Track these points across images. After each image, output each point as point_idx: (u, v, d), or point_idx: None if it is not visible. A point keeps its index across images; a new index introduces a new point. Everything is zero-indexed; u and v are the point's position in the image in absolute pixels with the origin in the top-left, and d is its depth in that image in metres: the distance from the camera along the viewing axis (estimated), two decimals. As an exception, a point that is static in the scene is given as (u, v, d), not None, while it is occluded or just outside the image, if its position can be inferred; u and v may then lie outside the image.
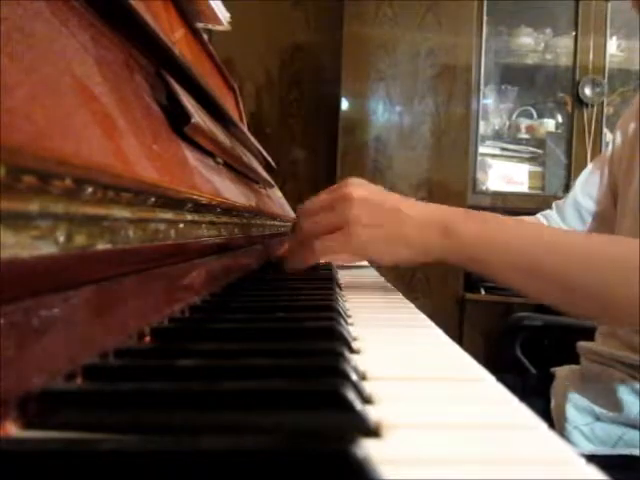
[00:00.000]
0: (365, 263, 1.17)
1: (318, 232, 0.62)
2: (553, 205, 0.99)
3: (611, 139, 0.95)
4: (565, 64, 2.69)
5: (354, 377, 0.27)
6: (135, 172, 0.32)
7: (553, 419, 0.84)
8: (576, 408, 0.81)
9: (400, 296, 0.69)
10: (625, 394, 0.78)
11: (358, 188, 0.62)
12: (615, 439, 0.77)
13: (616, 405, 0.78)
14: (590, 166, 0.97)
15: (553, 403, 0.86)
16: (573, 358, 0.91)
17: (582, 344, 0.89)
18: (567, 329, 1.38)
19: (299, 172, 2.70)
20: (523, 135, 2.75)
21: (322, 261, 0.63)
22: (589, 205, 0.94)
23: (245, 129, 0.99)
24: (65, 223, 0.24)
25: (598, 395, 0.81)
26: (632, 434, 0.76)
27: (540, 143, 2.72)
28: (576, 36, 2.64)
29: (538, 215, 0.99)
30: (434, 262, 0.60)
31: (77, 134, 0.27)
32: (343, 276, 0.84)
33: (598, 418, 0.79)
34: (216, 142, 0.59)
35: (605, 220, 0.91)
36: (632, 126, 0.86)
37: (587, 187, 0.95)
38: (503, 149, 2.74)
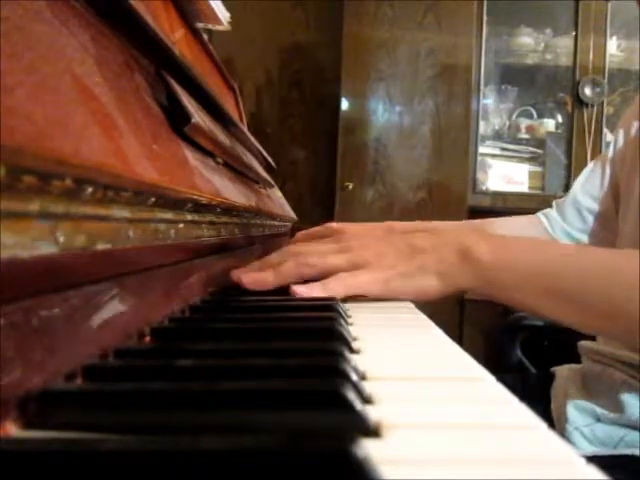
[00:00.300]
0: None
1: (323, 268, 0.57)
2: (553, 204, 0.98)
3: (613, 139, 0.95)
4: (565, 64, 2.69)
5: (354, 377, 0.27)
6: (135, 172, 0.32)
7: (553, 419, 0.84)
8: (577, 409, 0.81)
9: (400, 296, 0.68)
10: (626, 395, 0.77)
11: (350, 227, 0.61)
12: (616, 440, 0.77)
13: (617, 406, 0.78)
14: (591, 165, 0.96)
15: (553, 404, 0.85)
16: (573, 358, 0.90)
17: (583, 344, 0.89)
18: (567, 329, 1.37)
19: (299, 172, 2.70)
20: (523, 135, 2.75)
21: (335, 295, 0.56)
22: (589, 204, 0.93)
23: (245, 129, 0.99)
24: (65, 223, 0.24)
25: (599, 396, 0.81)
26: (633, 435, 0.76)
27: (540, 143, 2.73)
28: (576, 36, 2.64)
29: (538, 214, 0.99)
30: (462, 291, 0.57)
31: (77, 134, 0.27)
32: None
33: (599, 419, 0.79)
34: (216, 142, 0.59)
35: (607, 220, 0.90)
36: (635, 125, 0.86)
37: (587, 186, 0.94)
38: (503, 149, 2.74)
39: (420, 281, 0.56)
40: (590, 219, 0.93)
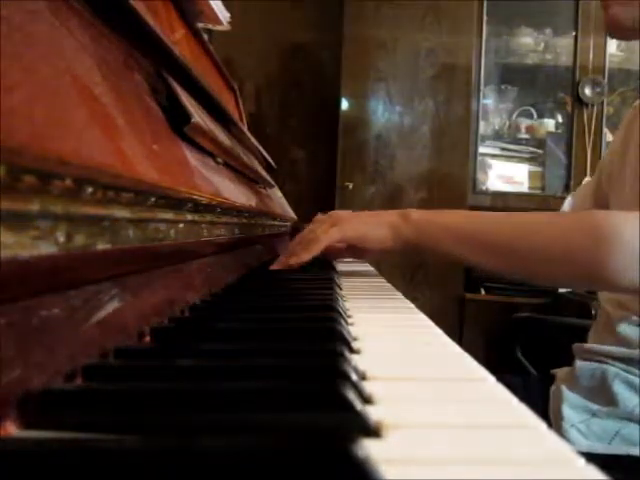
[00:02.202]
0: (365, 263, 1.17)
1: (314, 231, 0.78)
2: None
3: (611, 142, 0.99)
4: (565, 64, 2.69)
5: (354, 377, 0.27)
6: (135, 172, 0.32)
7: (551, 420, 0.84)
8: (571, 406, 0.82)
9: (400, 296, 0.69)
10: (620, 388, 0.78)
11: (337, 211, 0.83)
12: (612, 434, 0.78)
13: (611, 400, 0.79)
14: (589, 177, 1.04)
15: (550, 404, 0.86)
16: (573, 359, 0.91)
17: (577, 345, 0.90)
18: (567, 329, 1.38)
19: (299, 172, 2.70)
20: (523, 135, 2.75)
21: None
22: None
23: (245, 129, 0.99)
24: (65, 223, 0.24)
25: (593, 391, 0.81)
26: (629, 428, 0.77)
27: (540, 143, 2.73)
28: (576, 36, 2.64)
29: None
30: (406, 243, 0.75)
31: (77, 134, 0.27)
32: (343, 276, 0.84)
33: (594, 414, 0.80)
34: (216, 142, 0.59)
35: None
36: (634, 126, 0.87)
37: (582, 189, 1.02)
38: (503, 149, 2.74)
39: (377, 230, 0.76)
40: None
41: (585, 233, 0.62)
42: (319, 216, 0.82)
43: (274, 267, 0.78)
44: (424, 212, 0.76)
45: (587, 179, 1.02)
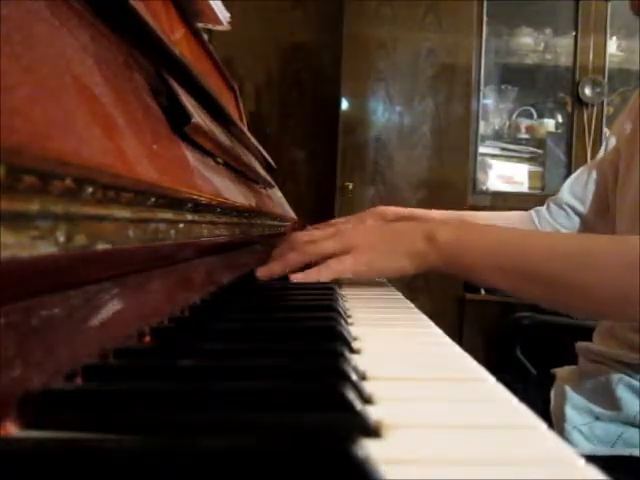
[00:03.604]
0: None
1: (319, 254, 0.68)
2: (546, 202, 1.02)
3: (604, 142, 0.98)
4: (565, 64, 2.69)
5: (354, 377, 0.27)
6: (135, 172, 0.32)
7: (552, 420, 0.84)
8: (574, 408, 0.81)
9: (400, 296, 0.69)
10: (624, 392, 0.78)
11: (346, 224, 0.75)
12: (614, 438, 0.77)
13: (615, 404, 0.78)
14: (580, 169, 1.02)
15: (552, 404, 0.86)
16: (573, 358, 0.91)
17: (580, 344, 0.89)
18: (567, 329, 1.38)
19: (299, 172, 2.70)
20: (523, 135, 2.75)
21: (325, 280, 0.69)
22: (574, 204, 0.97)
23: (245, 129, 0.99)
24: (65, 223, 0.24)
25: (596, 394, 0.81)
26: (631, 432, 0.76)
27: (540, 143, 2.73)
28: (576, 36, 2.64)
29: (531, 210, 1.03)
30: (431, 270, 0.67)
31: (77, 134, 0.27)
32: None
33: (597, 417, 0.79)
34: (216, 142, 0.59)
35: (587, 224, 0.95)
36: (628, 127, 0.87)
37: (574, 187, 0.98)
38: (503, 149, 2.74)
39: (396, 262, 0.66)
40: (576, 219, 0.97)
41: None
42: (329, 228, 0.73)
43: (261, 274, 0.68)
44: (453, 230, 0.65)
45: (579, 171, 0.99)
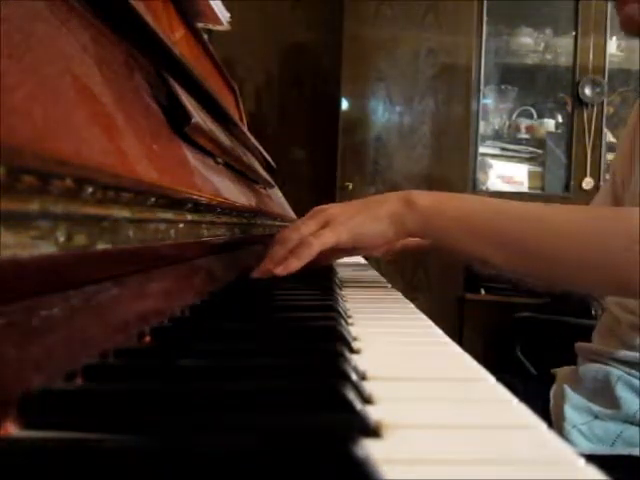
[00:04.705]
0: (364, 262, 1.16)
1: (303, 234, 0.66)
2: None
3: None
4: (565, 64, 2.69)
5: (354, 377, 0.27)
6: (135, 172, 0.32)
7: (552, 420, 0.84)
8: (574, 407, 0.81)
9: (400, 296, 0.69)
10: (623, 391, 0.78)
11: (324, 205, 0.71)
12: (614, 437, 0.77)
13: (614, 402, 0.78)
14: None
15: (552, 403, 0.86)
16: (573, 358, 0.91)
17: (580, 344, 0.89)
18: (567, 329, 1.38)
19: (299, 172, 2.70)
20: (523, 135, 2.75)
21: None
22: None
23: (245, 129, 0.99)
24: (65, 223, 0.24)
25: (596, 393, 0.81)
26: (631, 431, 0.77)
27: (540, 143, 2.72)
28: (576, 36, 2.64)
29: None
30: (410, 235, 0.67)
31: (77, 134, 0.27)
32: (343, 276, 0.84)
33: (596, 416, 0.79)
34: (216, 142, 0.59)
35: None
36: (633, 125, 0.87)
37: (599, 197, 1.00)
38: (503, 149, 2.74)
39: (375, 227, 0.66)
40: None
41: (622, 234, 0.55)
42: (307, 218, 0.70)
43: (256, 275, 0.65)
44: (431, 196, 0.65)
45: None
